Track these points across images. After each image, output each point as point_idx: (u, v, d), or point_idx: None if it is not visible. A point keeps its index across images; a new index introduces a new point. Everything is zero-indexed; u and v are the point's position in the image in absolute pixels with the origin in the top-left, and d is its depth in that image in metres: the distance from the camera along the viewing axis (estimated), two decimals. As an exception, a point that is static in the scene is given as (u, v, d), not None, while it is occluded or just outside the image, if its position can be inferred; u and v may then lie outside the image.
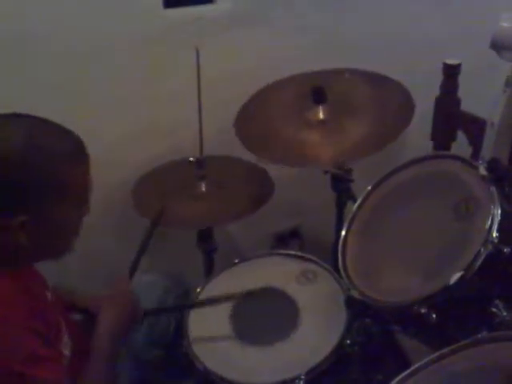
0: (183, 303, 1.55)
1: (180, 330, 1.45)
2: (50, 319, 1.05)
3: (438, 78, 1.86)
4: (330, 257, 1.64)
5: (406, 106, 1.57)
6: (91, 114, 1.62)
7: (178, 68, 1.68)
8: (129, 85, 1.68)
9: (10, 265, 1.01)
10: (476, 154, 1.74)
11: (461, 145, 1.89)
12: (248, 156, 1.67)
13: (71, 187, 1.01)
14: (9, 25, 1.48)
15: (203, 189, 1.68)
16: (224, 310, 1.48)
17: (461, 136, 1.89)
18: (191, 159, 1.66)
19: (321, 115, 1.64)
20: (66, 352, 1.09)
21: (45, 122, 1.00)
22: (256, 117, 1.67)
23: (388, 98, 1.62)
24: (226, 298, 1.46)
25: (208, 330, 1.44)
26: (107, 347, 1.15)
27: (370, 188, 1.47)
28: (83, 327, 1.27)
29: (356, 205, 1.46)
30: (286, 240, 2.15)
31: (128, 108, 1.71)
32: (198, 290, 1.56)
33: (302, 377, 1.28)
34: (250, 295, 1.47)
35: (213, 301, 1.46)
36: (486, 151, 1.71)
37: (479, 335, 1.06)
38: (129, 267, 1.41)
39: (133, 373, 1.38)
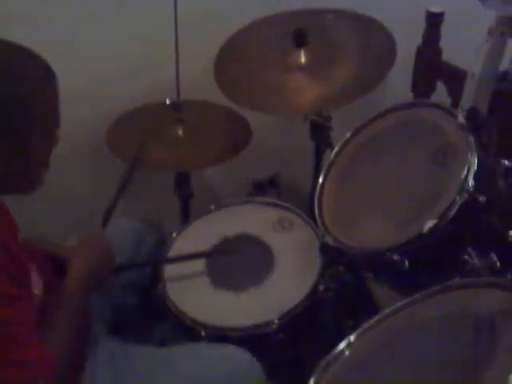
0: (156, 258, 1.53)
1: (155, 274, 1.45)
2: (20, 259, 1.03)
3: (421, 27, 1.83)
4: (307, 206, 1.64)
5: (388, 48, 1.54)
6: (62, 50, 1.55)
7: (154, 4, 1.62)
8: (103, 21, 1.62)
9: None
10: (455, 104, 1.73)
11: (440, 95, 1.87)
12: (227, 101, 1.63)
13: (39, 112, 0.98)
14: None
15: (180, 133, 1.65)
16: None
17: (440, 87, 1.88)
18: (167, 102, 1.63)
19: (302, 59, 1.60)
20: (37, 291, 1.08)
21: (12, 45, 0.98)
22: (235, 60, 1.62)
23: (371, 41, 1.58)
24: (198, 255, 1.46)
25: (183, 274, 1.44)
26: (77, 292, 1.15)
27: (348, 136, 1.46)
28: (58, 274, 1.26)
29: (333, 152, 1.45)
30: (264, 188, 2.14)
31: (102, 46, 1.64)
32: (174, 235, 1.55)
33: (276, 321, 1.30)
34: (219, 252, 1.48)
35: (185, 257, 1.46)
36: (465, 103, 1.70)
37: (449, 282, 1.07)
38: (104, 212, 1.39)
39: (108, 316, 1.38)
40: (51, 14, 1.55)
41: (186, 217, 1.78)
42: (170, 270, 1.45)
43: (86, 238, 1.29)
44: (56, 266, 1.24)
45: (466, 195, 1.16)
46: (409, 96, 1.91)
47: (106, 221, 1.37)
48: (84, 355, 1.20)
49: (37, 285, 1.09)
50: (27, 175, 1.04)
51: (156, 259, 1.53)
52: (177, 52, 1.53)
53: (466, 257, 1.16)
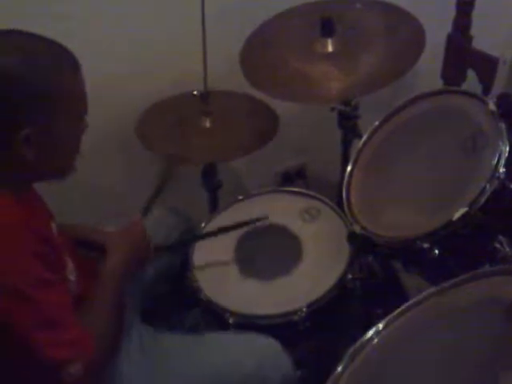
0: (191, 236, 1.55)
1: (185, 264, 1.47)
2: (54, 246, 1.06)
3: (452, 14, 1.80)
4: (335, 196, 1.64)
5: (417, 38, 1.52)
6: (91, 46, 1.57)
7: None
8: (132, 14, 1.63)
9: (16, 184, 1.02)
10: (486, 92, 1.71)
11: (471, 84, 1.85)
12: (254, 92, 1.64)
13: (68, 98, 1.02)
14: None
15: (208, 124, 1.65)
16: (228, 245, 1.49)
17: (471, 75, 1.85)
18: (195, 93, 1.63)
19: (329, 48, 1.58)
20: (72, 277, 1.10)
21: (35, 36, 1.01)
22: (261, 49, 1.62)
23: (399, 30, 1.56)
24: (233, 226, 1.46)
25: (212, 263, 1.45)
26: (113, 283, 1.16)
27: (377, 123, 1.45)
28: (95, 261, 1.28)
29: (362, 140, 1.44)
30: (292, 179, 2.14)
31: (130, 38, 1.66)
32: (203, 224, 1.57)
33: (304, 309, 1.30)
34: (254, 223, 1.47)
35: (221, 230, 1.47)
36: (497, 91, 1.67)
37: (480, 269, 1.06)
38: (143, 205, 1.41)
39: (140, 304, 1.40)
40: (80, 12, 1.57)
41: (214, 208, 1.79)
42: (199, 259, 1.47)
43: (128, 226, 1.31)
44: (92, 253, 1.27)
45: (496, 183, 1.15)
46: (439, 84, 1.89)
47: (146, 210, 1.39)
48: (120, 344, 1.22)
49: (71, 271, 1.11)
50: (58, 162, 1.07)
51: (193, 236, 1.53)
52: (204, 43, 1.53)
53: (497, 245, 1.14)
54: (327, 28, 1.57)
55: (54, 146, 1.03)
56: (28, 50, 0.98)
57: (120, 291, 1.17)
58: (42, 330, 0.95)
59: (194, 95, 1.63)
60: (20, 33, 1.00)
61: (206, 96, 1.63)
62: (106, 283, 1.15)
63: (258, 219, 1.48)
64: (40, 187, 1.16)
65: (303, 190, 1.63)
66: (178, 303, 1.50)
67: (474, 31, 1.81)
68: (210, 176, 1.76)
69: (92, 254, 1.29)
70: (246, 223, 1.48)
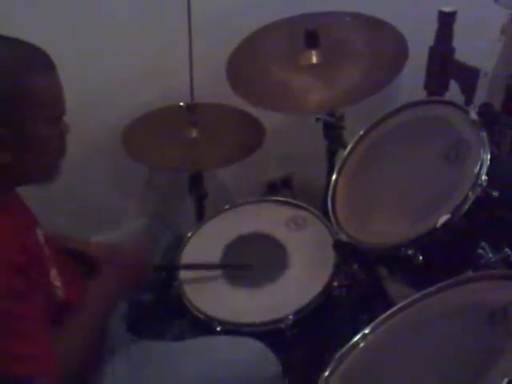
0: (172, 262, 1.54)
1: (171, 272, 1.47)
2: (36, 253, 1.05)
3: (434, 26, 1.84)
4: (320, 205, 1.65)
5: (400, 51, 1.55)
6: (78, 57, 1.59)
7: (168, 10, 1.64)
8: (118, 27, 1.64)
9: None
10: (468, 102, 1.74)
11: (453, 94, 1.88)
12: (240, 103, 1.65)
13: (42, 99, 1.01)
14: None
15: (194, 135, 1.67)
16: (215, 254, 1.50)
17: (453, 86, 1.88)
18: (182, 104, 1.65)
19: (314, 59, 1.61)
20: (57, 283, 1.10)
21: (12, 39, 1.02)
22: (248, 61, 1.64)
23: (383, 43, 1.59)
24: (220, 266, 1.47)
25: (198, 272, 1.45)
26: (98, 306, 1.16)
27: (361, 133, 1.47)
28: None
29: (347, 149, 1.46)
30: (278, 189, 2.16)
31: (117, 51, 1.67)
32: (189, 234, 1.57)
33: (290, 317, 1.31)
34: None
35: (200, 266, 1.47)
36: (479, 101, 1.70)
37: (462, 275, 1.08)
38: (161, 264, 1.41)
39: (125, 313, 1.39)
40: (68, 24, 1.58)
41: (200, 216, 1.80)
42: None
43: (133, 250, 1.30)
44: (79, 263, 1.27)
45: (479, 190, 1.17)
46: (422, 94, 1.92)
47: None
48: (102, 352, 1.21)
49: (55, 276, 1.11)
50: (40, 163, 1.06)
51: (173, 264, 1.52)
52: (190, 56, 1.55)
53: (480, 251, 1.16)
54: (311, 40, 1.60)
55: (32, 147, 1.02)
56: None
57: (104, 314, 1.16)
58: (6, 341, 0.94)
59: (181, 107, 1.65)
60: None
61: (192, 107, 1.64)
62: (92, 305, 1.14)
63: (245, 265, 1.47)
64: (26, 198, 1.16)
65: (289, 200, 1.65)
66: (163, 312, 1.50)
67: (455, 43, 1.85)
68: (196, 185, 1.77)
69: (81, 266, 1.29)
70: (236, 266, 1.48)
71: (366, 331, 1.04)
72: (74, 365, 1.05)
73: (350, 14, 1.65)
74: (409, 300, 1.08)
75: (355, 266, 1.39)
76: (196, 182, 1.76)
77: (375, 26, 1.63)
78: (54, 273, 1.11)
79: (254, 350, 1.23)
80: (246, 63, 1.64)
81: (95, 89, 1.67)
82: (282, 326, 1.30)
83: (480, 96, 1.70)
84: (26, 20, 1.49)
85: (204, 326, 1.34)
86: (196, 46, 1.55)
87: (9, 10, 1.50)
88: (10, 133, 0.98)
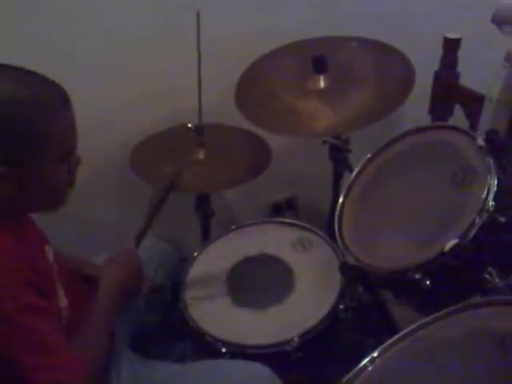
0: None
1: (177, 294, 1.47)
2: (46, 273, 1.07)
3: (439, 52, 1.86)
4: (325, 228, 1.66)
5: (407, 76, 1.57)
6: (89, 78, 1.61)
7: (177, 32, 1.67)
8: (128, 48, 1.67)
9: (6, 216, 1.02)
10: (473, 128, 1.75)
11: (458, 120, 1.90)
12: (247, 125, 1.67)
13: (57, 137, 1.01)
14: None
15: (201, 156, 1.68)
16: (220, 275, 1.50)
17: (458, 111, 1.90)
18: (190, 125, 1.66)
19: (321, 84, 1.63)
20: (62, 304, 1.11)
21: (28, 72, 1.00)
22: (256, 84, 1.66)
23: (390, 68, 1.61)
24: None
25: (204, 293, 1.46)
26: (106, 305, 1.18)
27: (368, 157, 1.48)
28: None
29: (354, 173, 1.47)
30: (282, 210, 2.17)
31: (127, 73, 1.70)
32: (195, 254, 1.58)
33: (296, 339, 1.31)
34: None
35: None
36: (483, 127, 1.72)
37: (470, 300, 1.08)
38: (136, 232, 1.41)
39: (130, 333, 1.39)
40: (77, 41, 1.61)
41: (206, 237, 1.81)
42: (190, 289, 1.47)
43: (119, 252, 1.32)
44: (83, 283, 1.27)
45: (486, 215, 1.18)
46: (427, 119, 1.93)
47: (139, 240, 1.39)
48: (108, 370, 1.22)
49: (62, 299, 1.12)
50: (48, 196, 1.07)
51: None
52: (199, 78, 1.56)
53: (487, 276, 1.16)
54: (319, 65, 1.62)
55: (40, 183, 1.03)
56: (16, 87, 0.97)
57: (112, 314, 1.18)
58: (33, 355, 0.96)
59: (189, 128, 1.66)
60: (10, 67, 0.99)
61: (200, 129, 1.66)
62: (99, 308, 1.17)
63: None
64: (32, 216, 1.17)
65: (295, 221, 1.66)
66: (168, 333, 1.50)
67: (460, 68, 1.87)
68: (202, 205, 1.78)
69: (85, 287, 1.30)
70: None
71: (375, 355, 1.04)
72: (98, 367, 1.09)
73: (356, 39, 1.67)
74: (417, 324, 1.07)
75: (361, 289, 1.40)
76: (203, 202, 1.77)
77: (382, 51, 1.66)
78: (61, 293, 1.12)
79: (258, 374, 1.23)
80: (254, 87, 1.66)
81: (106, 110, 1.70)
82: (288, 348, 1.30)
83: (485, 121, 1.71)
84: (31, 45, 1.52)
85: (209, 346, 1.34)
86: (205, 69, 1.57)
87: (14, 34, 1.53)
88: (18, 171, 0.98)
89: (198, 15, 1.47)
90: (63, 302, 1.12)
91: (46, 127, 0.99)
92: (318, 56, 1.60)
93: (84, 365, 1.02)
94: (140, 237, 1.39)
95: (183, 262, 1.59)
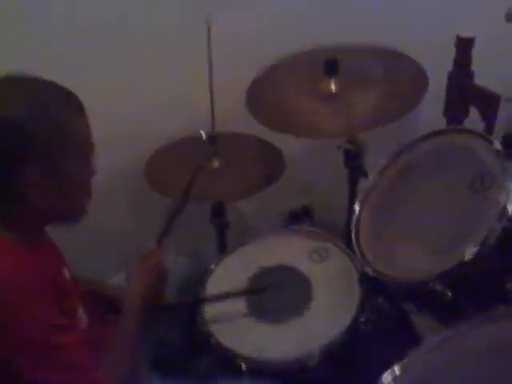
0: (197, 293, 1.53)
1: (196, 310, 1.46)
2: (67, 293, 1.07)
3: (452, 51, 1.83)
4: (342, 235, 1.64)
5: (418, 81, 1.54)
6: (103, 89, 1.62)
7: (188, 41, 1.66)
8: (141, 60, 1.67)
9: (28, 230, 1.03)
10: (489, 130, 1.72)
11: (473, 121, 1.86)
12: (261, 133, 1.66)
13: (76, 141, 1.03)
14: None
15: (216, 165, 1.67)
16: (238, 288, 1.49)
17: (473, 111, 1.87)
18: (203, 135, 1.65)
19: (333, 88, 1.61)
20: (82, 323, 1.11)
21: (44, 81, 1.03)
22: (268, 89, 1.64)
23: (401, 74, 1.59)
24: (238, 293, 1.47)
25: (223, 307, 1.44)
26: (133, 323, 1.17)
27: (384, 163, 1.46)
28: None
29: (371, 180, 1.45)
30: (299, 218, 2.15)
31: (140, 84, 1.70)
32: (212, 266, 1.57)
33: (316, 353, 1.29)
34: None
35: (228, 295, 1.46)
36: (499, 127, 1.69)
37: (494, 311, 1.06)
38: (158, 235, 1.41)
39: (150, 351, 1.39)
40: (91, 53, 1.61)
41: (222, 246, 1.80)
42: (210, 305, 1.46)
43: (145, 261, 1.30)
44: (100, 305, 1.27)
45: (506, 222, 1.16)
46: (442, 121, 1.90)
47: (160, 243, 1.39)
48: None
49: (81, 316, 1.12)
50: (69, 205, 1.08)
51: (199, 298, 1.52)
52: (211, 88, 1.56)
53: (509, 285, 1.14)
54: (331, 68, 1.60)
55: (63, 189, 1.04)
56: (36, 95, 1.00)
57: (139, 328, 1.17)
58: (62, 373, 0.97)
59: (202, 137, 1.65)
60: (23, 78, 1.01)
61: (213, 138, 1.65)
62: (127, 324, 1.16)
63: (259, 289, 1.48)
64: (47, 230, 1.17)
65: (312, 229, 1.64)
66: (188, 349, 1.49)
67: (476, 68, 1.84)
68: (218, 215, 1.77)
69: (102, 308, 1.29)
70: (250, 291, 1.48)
71: (398, 368, 1.02)
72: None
73: (363, 46, 1.65)
74: (442, 336, 1.05)
75: (381, 300, 1.38)
76: (218, 212, 1.76)
77: (393, 58, 1.64)
78: (80, 311, 1.12)
79: None
80: (266, 92, 1.64)
81: (119, 121, 1.70)
82: (309, 363, 1.28)
83: (501, 122, 1.68)
84: (45, 58, 1.52)
85: (229, 363, 1.32)
86: (217, 76, 1.57)
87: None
88: (43, 172, 0.99)
89: (208, 27, 1.48)
90: (83, 321, 1.13)
91: (71, 126, 1.02)
92: (330, 59, 1.59)
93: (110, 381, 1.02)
94: (162, 236, 1.38)
95: (202, 275, 1.58)
